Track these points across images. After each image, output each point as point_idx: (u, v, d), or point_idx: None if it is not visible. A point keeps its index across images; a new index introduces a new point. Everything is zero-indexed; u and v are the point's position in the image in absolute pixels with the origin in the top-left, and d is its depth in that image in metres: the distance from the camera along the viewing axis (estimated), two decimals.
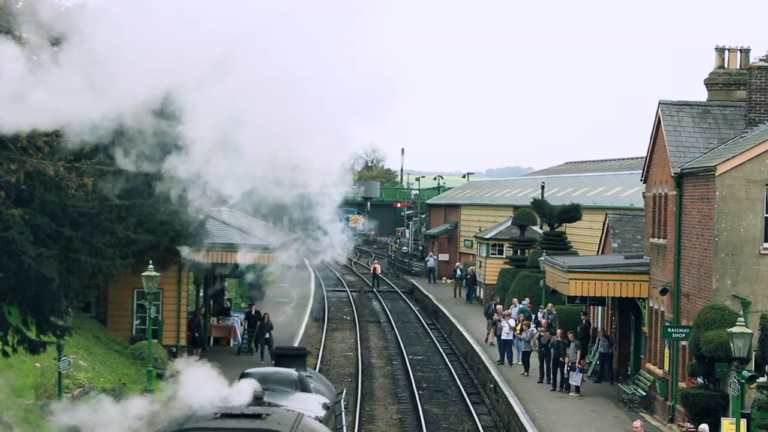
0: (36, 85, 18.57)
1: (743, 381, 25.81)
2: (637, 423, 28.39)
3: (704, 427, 26.94)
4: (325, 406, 19.31)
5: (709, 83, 38.34)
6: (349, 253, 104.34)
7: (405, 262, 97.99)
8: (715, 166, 31.58)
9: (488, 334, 50.26)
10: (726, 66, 38.32)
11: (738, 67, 38.14)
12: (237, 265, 50.80)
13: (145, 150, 20.97)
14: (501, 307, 49.76)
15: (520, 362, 45.12)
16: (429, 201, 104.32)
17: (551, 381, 40.72)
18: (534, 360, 43.28)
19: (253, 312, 48.30)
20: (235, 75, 20.83)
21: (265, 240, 44.48)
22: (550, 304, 47.41)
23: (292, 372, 20.86)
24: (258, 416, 14.96)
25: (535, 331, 44.62)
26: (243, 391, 16.92)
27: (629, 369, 40.94)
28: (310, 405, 18.32)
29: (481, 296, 68.75)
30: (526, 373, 43.03)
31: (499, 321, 45.97)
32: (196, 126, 20.05)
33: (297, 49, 25.09)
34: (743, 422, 26.97)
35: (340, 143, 23.44)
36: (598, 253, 48.01)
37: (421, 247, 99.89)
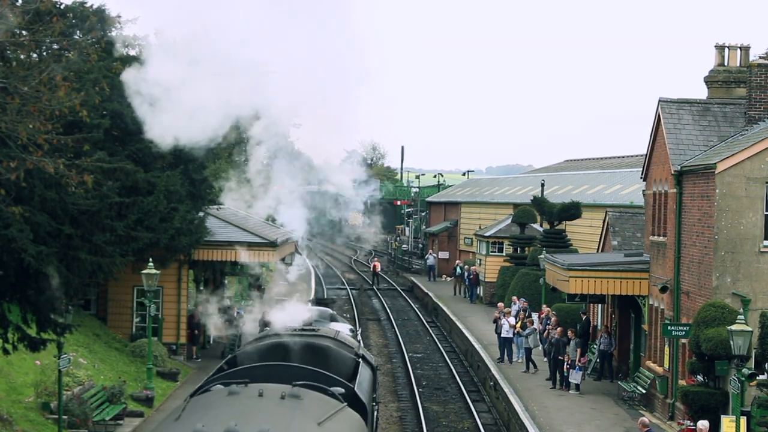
0: None
1: (743, 379, 25.81)
2: (641, 422, 28.23)
3: (704, 423, 26.95)
4: (351, 331, 27.83)
5: (709, 81, 38.33)
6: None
7: (405, 259, 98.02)
8: (715, 163, 31.57)
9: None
10: (726, 63, 38.31)
11: (738, 64, 38.13)
12: (236, 263, 50.85)
13: None
14: (502, 304, 49.75)
15: (521, 360, 45.15)
16: (429, 199, 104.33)
17: (551, 378, 40.75)
18: (536, 358, 43.33)
19: (235, 313, 46.03)
20: None
21: (265, 237, 44.53)
22: (547, 308, 46.75)
23: (327, 309, 29.64)
24: (314, 330, 23.30)
25: (536, 329, 44.56)
26: (299, 318, 24.91)
27: (629, 367, 40.96)
28: (342, 328, 26.27)
29: (481, 294, 68.74)
30: (527, 371, 43.04)
31: (500, 319, 45.99)
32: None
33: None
34: (743, 420, 26.98)
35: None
36: (598, 251, 48.02)
37: (421, 245, 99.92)
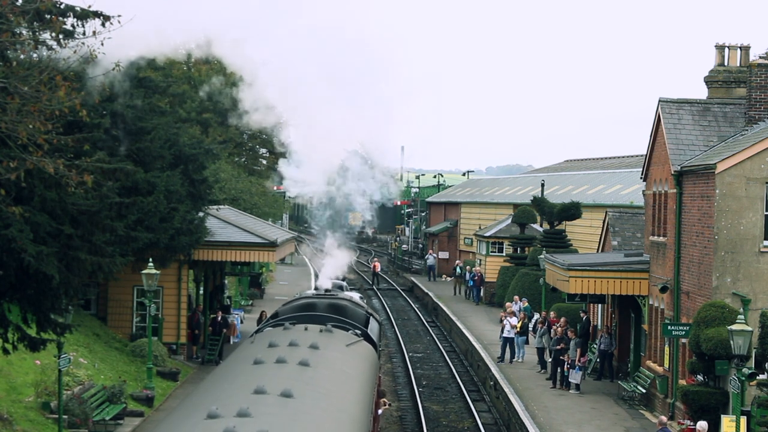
0: None
1: (743, 378, 25.82)
2: (660, 420, 28.43)
3: (703, 424, 26.97)
4: (361, 298, 32.16)
5: (709, 81, 38.33)
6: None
7: (405, 260, 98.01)
8: (715, 164, 31.57)
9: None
10: (726, 63, 38.31)
11: (738, 64, 38.13)
12: (236, 263, 50.82)
13: None
14: (509, 303, 49.71)
15: (521, 359, 45.13)
16: (429, 199, 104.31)
17: (552, 378, 40.74)
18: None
19: (219, 318, 44.90)
20: None
21: (265, 237, 44.52)
22: (564, 318, 44.96)
23: (340, 281, 33.51)
24: (333, 295, 28.18)
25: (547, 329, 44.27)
26: (320, 288, 30.55)
27: (629, 366, 40.94)
28: (353, 295, 30.84)
29: (481, 294, 68.61)
30: (542, 371, 42.82)
31: (504, 318, 45.99)
32: None
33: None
34: (743, 420, 26.98)
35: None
36: (598, 251, 48.00)
37: (421, 245, 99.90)
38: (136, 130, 38.48)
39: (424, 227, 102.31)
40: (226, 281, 56.79)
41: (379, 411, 26.74)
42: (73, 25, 25.27)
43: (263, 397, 14.29)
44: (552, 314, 46.54)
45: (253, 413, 13.17)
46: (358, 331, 23.72)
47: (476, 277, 68.68)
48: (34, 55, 23.48)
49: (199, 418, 13.56)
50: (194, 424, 13.40)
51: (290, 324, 22.49)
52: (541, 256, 48.01)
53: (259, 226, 50.10)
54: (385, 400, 28.76)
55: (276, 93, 31.94)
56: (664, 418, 28.47)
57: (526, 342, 46.40)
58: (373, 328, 26.07)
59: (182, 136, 43.76)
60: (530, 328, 48.03)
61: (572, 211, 56.32)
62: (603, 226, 47.20)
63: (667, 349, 35.50)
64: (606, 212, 47.46)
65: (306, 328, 21.92)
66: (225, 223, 45.63)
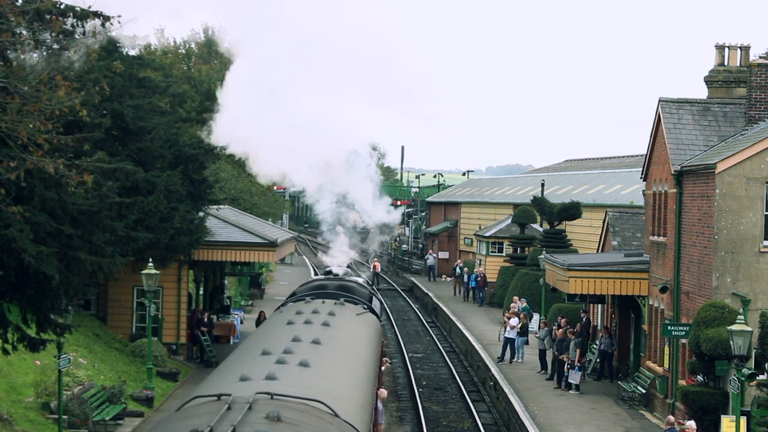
0: None
1: (743, 379, 25.82)
2: (667, 420, 28.53)
3: (691, 423, 27.00)
4: (364, 281, 35.55)
5: (709, 81, 38.33)
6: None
7: (405, 260, 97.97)
8: (715, 163, 31.56)
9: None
10: (726, 63, 38.31)
11: (738, 64, 38.14)
12: (236, 263, 50.80)
13: None
14: (514, 304, 49.68)
15: (521, 360, 45.11)
16: (429, 199, 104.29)
17: (552, 378, 40.71)
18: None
19: (206, 319, 43.87)
20: None
21: (265, 237, 44.51)
22: (564, 319, 43.42)
23: (345, 268, 37.09)
24: (342, 278, 32.67)
25: (549, 330, 44.25)
26: (329, 271, 35.38)
27: (629, 367, 40.95)
28: (358, 279, 34.47)
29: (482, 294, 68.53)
30: (542, 371, 42.77)
31: (508, 319, 45.96)
32: None
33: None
34: (743, 420, 26.98)
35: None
36: (598, 251, 48.00)
37: (421, 245, 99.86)
38: (136, 130, 38.47)
39: (424, 227, 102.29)
40: (226, 281, 56.79)
41: (383, 368, 30.90)
42: (73, 25, 25.24)
43: (300, 343, 18.48)
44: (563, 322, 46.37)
45: (294, 351, 17.27)
46: (365, 306, 27.69)
47: (479, 278, 68.20)
48: (34, 55, 23.48)
49: (255, 354, 17.59)
50: (253, 358, 17.39)
51: (309, 299, 26.51)
52: (541, 256, 48.00)
53: (259, 226, 50.10)
54: (386, 359, 33.41)
55: (277, 89, 32.06)
56: (671, 418, 28.50)
57: (526, 342, 46.37)
58: (376, 304, 30.31)
59: (182, 136, 43.78)
60: (530, 329, 48.01)
61: (572, 211, 56.30)
62: (603, 226, 47.20)
63: (667, 349, 35.50)
64: (606, 212, 47.46)
65: (323, 302, 25.84)
66: (225, 223, 45.62)
